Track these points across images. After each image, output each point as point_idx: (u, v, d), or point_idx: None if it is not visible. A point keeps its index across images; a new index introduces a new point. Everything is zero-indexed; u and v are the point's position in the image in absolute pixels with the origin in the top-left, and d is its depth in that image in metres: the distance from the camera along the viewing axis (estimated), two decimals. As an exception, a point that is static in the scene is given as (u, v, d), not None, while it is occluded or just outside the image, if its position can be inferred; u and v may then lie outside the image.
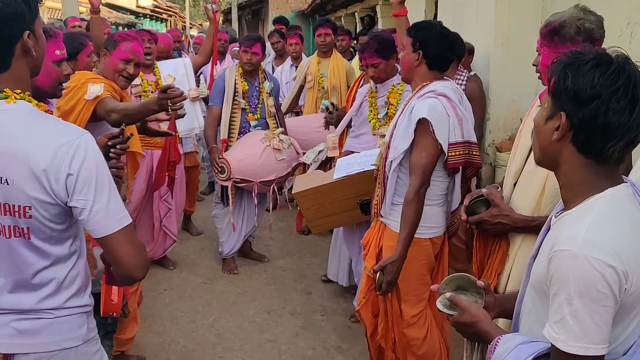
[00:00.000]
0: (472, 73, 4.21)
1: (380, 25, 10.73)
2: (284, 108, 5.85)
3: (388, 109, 3.78)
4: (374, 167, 3.35)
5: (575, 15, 2.07)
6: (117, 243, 1.53)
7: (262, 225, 5.55)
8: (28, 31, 1.48)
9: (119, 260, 1.55)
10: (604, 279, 1.21)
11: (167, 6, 29.76)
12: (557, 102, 1.33)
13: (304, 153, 5.31)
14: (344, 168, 3.54)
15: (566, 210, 1.39)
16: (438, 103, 2.63)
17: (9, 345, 1.57)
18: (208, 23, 5.13)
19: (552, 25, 2.09)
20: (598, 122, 1.27)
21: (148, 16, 26.06)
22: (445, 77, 2.81)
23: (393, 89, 3.77)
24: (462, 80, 4.15)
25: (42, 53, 1.58)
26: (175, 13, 30.92)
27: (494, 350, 1.44)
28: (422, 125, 2.62)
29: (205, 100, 5.28)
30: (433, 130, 2.60)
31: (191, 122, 4.86)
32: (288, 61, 6.67)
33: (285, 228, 6.01)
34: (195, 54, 6.80)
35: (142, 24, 22.19)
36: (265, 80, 4.76)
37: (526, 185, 2.20)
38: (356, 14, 13.20)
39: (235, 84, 4.63)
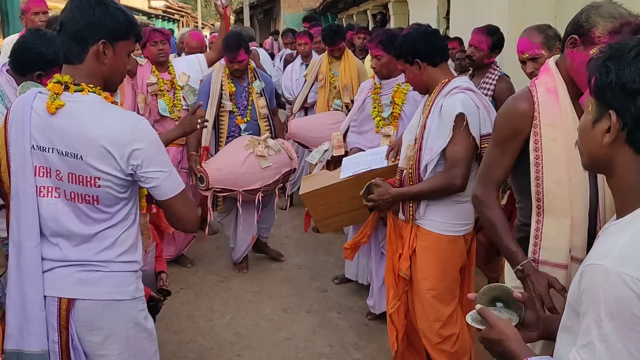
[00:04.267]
0: (502, 72, 4.05)
1: (392, 23, 10.69)
2: (296, 107, 5.85)
3: (393, 108, 3.75)
4: (381, 166, 3.36)
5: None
6: (177, 203, 1.93)
7: (276, 224, 5.56)
8: (105, 41, 1.83)
9: (179, 217, 1.97)
10: None
11: (179, 7, 29.84)
12: (603, 101, 1.19)
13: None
14: (350, 167, 3.52)
15: (618, 219, 1.23)
16: (467, 97, 2.69)
17: (72, 291, 1.90)
18: (220, 22, 5.13)
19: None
20: None
21: (160, 17, 26.17)
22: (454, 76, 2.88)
23: (398, 88, 3.75)
24: (493, 80, 3.99)
25: (118, 69, 1.92)
26: (188, 13, 31.00)
27: None
28: (457, 120, 2.65)
29: None
30: (468, 124, 2.64)
31: None
32: (298, 59, 6.77)
33: (300, 226, 6.01)
34: None
35: (154, 25, 22.30)
36: (255, 79, 4.58)
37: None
38: (368, 11, 13.18)
39: (221, 85, 4.46)
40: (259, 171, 4.25)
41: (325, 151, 4.25)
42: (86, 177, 1.82)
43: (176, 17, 29.18)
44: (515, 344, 1.38)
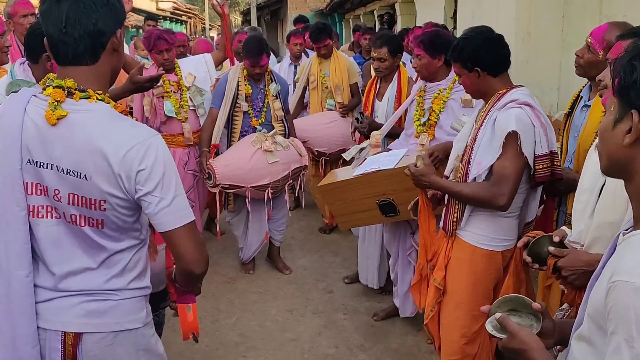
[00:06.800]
0: None
1: (399, 24, 10.68)
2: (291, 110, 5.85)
3: (430, 115, 3.57)
4: (388, 167, 3.30)
5: None
6: (178, 238, 1.64)
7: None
8: (120, 30, 1.62)
9: (180, 254, 1.67)
10: None
11: (186, 8, 29.97)
12: (626, 101, 1.13)
13: (316, 152, 5.30)
14: (366, 165, 3.48)
15: (636, 229, 1.17)
16: (523, 113, 2.47)
17: (78, 324, 1.69)
18: (221, 22, 5.10)
19: None
20: None
21: (168, 18, 26.30)
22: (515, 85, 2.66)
23: (439, 94, 3.55)
24: None
25: (122, 57, 1.71)
26: (195, 15, 31.14)
27: None
28: (510, 138, 2.46)
29: None
30: (520, 143, 2.44)
31: None
32: (286, 59, 6.74)
33: (306, 227, 6.02)
34: None
35: (162, 27, 22.40)
36: (271, 82, 4.58)
37: (611, 201, 1.89)
38: (375, 12, 13.17)
39: (237, 86, 4.46)
40: (266, 166, 4.25)
41: (361, 149, 4.16)
42: (90, 199, 1.59)
43: (184, 18, 29.32)
44: (539, 353, 1.34)
